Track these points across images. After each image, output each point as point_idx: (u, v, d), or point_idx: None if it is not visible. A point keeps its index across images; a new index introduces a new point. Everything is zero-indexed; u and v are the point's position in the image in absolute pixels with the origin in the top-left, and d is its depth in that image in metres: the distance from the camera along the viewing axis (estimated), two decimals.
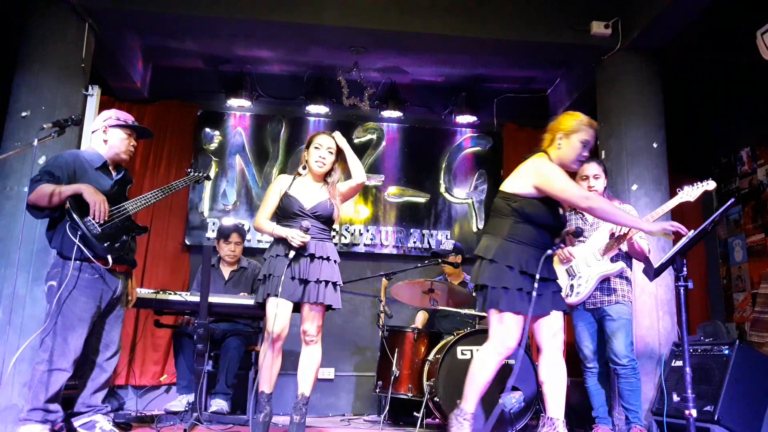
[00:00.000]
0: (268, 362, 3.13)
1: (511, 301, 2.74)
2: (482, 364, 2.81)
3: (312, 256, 3.16)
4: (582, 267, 3.56)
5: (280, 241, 3.19)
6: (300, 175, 3.36)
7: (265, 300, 3.14)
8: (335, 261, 3.25)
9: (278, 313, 3.08)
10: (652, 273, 2.79)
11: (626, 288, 3.56)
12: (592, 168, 3.61)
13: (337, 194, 3.32)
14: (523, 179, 2.85)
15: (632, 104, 4.46)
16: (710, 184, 3.38)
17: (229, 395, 4.21)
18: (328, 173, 3.32)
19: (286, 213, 3.23)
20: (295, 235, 3.09)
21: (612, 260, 3.50)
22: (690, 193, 3.39)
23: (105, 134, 3.15)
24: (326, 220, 3.27)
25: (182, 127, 5.50)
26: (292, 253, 3.10)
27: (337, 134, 3.38)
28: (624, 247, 3.52)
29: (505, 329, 2.77)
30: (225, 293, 4.34)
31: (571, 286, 3.58)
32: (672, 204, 3.44)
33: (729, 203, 2.67)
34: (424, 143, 5.80)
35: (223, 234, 4.65)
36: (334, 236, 5.42)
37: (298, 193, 3.26)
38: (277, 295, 3.07)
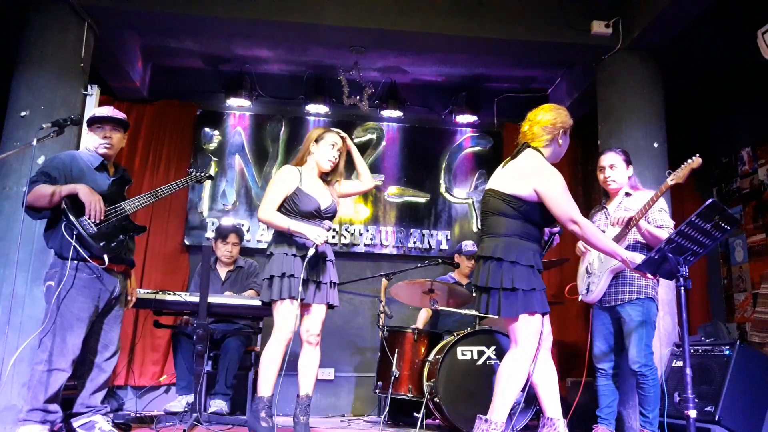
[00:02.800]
0: (278, 364, 3.10)
1: (541, 302, 2.69)
2: (516, 374, 2.69)
3: (324, 258, 3.21)
4: (596, 263, 3.46)
5: (290, 239, 3.12)
6: (301, 166, 3.29)
7: (280, 300, 3.07)
8: (333, 261, 3.32)
9: (297, 314, 3.10)
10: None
11: (643, 283, 3.33)
12: (608, 158, 3.52)
13: (336, 194, 3.36)
14: (524, 180, 2.73)
15: (633, 104, 4.45)
16: (695, 161, 3.20)
17: (229, 396, 4.20)
18: (330, 171, 3.32)
19: (301, 211, 3.15)
20: (321, 234, 3.05)
21: None
22: (678, 174, 3.23)
23: (89, 130, 3.16)
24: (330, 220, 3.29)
25: (182, 126, 5.49)
26: (311, 252, 3.04)
27: (347, 138, 3.38)
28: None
29: (535, 332, 2.70)
30: (222, 294, 4.34)
31: (588, 284, 3.49)
32: (663, 189, 3.26)
33: (707, 203, 2.55)
34: (424, 143, 5.79)
35: (221, 234, 4.63)
36: (334, 236, 5.44)
37: (311, 191, 3.21)
38: (297, 298, 3.05)
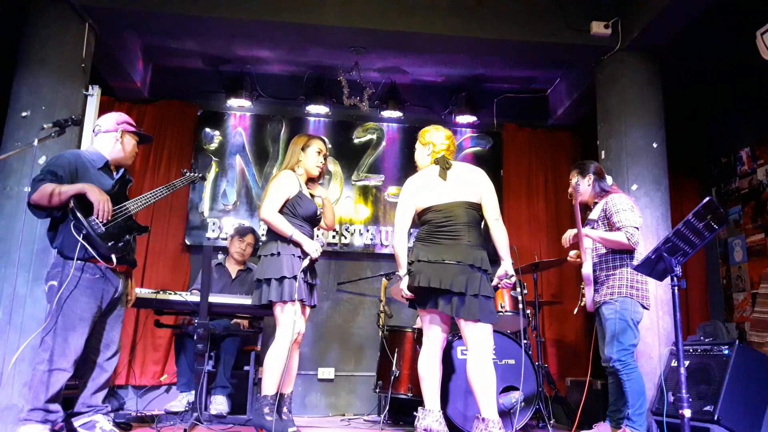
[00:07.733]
0: (284, 364, 3.23)
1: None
2: (492, 371, 3.03)
3: (314, 262, 3.38)
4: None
5: (292, 242, 3.29)
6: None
7: (291, 302, 3.23)
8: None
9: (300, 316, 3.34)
10: None
11: (616, 283, 3.45)
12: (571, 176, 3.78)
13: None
14: (477, 186, 3.14)
15: (632, 104, 4.46)
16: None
17: (228, 389, 4.21)
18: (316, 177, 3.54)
19: (302, 215, 3.36)
20: (318, 249, 3.29)
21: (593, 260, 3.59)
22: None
23: (121, 137, 3.21)
24: None
25: (182, 127, 5.50)
26: (306, 261, 3.26)
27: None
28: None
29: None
30: (230, 291, 4.35)
31: (584, 293, 3.64)
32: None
33: (704, 201, 2.58)
34: None
35: (240, 232, 4.79)
36: (334, 236, 5.45)
37: (309, 196, 3.44)
38: (306, 302, 3.32)
